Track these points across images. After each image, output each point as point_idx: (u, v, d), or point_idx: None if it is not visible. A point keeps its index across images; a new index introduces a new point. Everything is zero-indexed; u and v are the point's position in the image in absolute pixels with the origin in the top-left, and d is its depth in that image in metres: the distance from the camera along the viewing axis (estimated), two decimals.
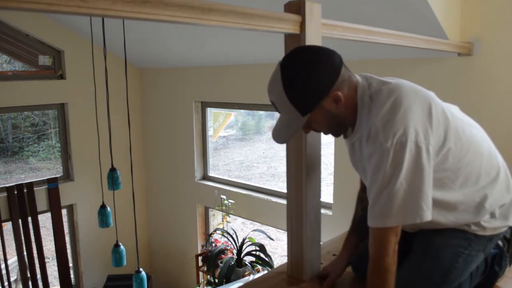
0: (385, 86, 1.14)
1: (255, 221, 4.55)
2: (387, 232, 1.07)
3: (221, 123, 5.98)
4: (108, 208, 2.90)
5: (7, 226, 4.57)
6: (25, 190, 4.41)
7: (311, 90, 1.10)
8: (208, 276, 4.24)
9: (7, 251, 4.46)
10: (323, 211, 3.50)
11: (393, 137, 1.04)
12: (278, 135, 1.19)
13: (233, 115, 6.43)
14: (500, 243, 1.38)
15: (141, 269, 2.77)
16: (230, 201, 4.30)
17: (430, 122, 1.08)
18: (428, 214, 1.06)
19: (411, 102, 1.09)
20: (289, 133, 1.17)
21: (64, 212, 4.86)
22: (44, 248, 4.61)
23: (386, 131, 1.05)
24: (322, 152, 1.45)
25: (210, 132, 4.93)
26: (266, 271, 3.63)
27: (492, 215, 1.24)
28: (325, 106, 1.12)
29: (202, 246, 4.56)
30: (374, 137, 1.08)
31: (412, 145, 1.04)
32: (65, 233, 4.76)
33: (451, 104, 1.25)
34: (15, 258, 4.61)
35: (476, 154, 1.19)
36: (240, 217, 4.64)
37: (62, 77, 4.67)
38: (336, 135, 1.25)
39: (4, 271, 4.40)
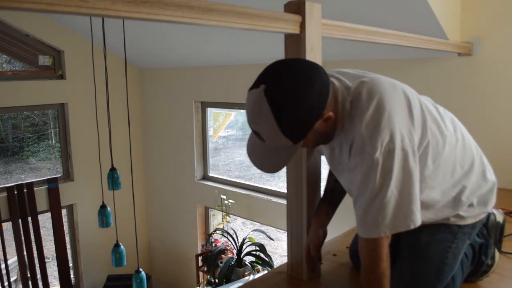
0: (363, 88, 1.08)
1: (255, 221, 4.55)
2: (381, 240, 1.05)
3: (221, 123, 5.99)
4: (108, 208, 2.90)
5: (7, 226, 4.57)
6: (25, 190, 4.41)
7: (306, 117, 1.01)
8: (208, 276, 4.24)
9: (7, 251, 4.46)
10: None
11: (381, 145, 1.01)
12: (267, 165, 1.10)
13: (233, 115, 6.42)
14: (484, 230, 1.40)
15: (141, 269, 2.78)
16: (230, 201, 4.30)
17: (412, 120, 1.07)
18: (419, 217, 1.05)
19: (393, 103, 1.05)
20: (282, 162, 1.08)
21: (64, 212, 4.86)
22: (44, 248, 4.61)
23: (373, 140, 1.01)
24: None
25: (210, 132, 4.94)
26: (266, 271, 3.63)
27: (470, 205, 1.23)
28: (316, 128, 1.05)
29: (202, 246, 4.56)
30: (361, 147, 1.03)
31: (399, 150, 1.01)
32: (65, 233, 4.77)
33: (423, 96, 1.22)
34: (15, 258, 4.61)
35: (450, 147, 1.17)
36: (240, 217, 4.64)
37: (62, 77, 4.67)
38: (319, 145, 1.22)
39: (4, 271, 4.40)
